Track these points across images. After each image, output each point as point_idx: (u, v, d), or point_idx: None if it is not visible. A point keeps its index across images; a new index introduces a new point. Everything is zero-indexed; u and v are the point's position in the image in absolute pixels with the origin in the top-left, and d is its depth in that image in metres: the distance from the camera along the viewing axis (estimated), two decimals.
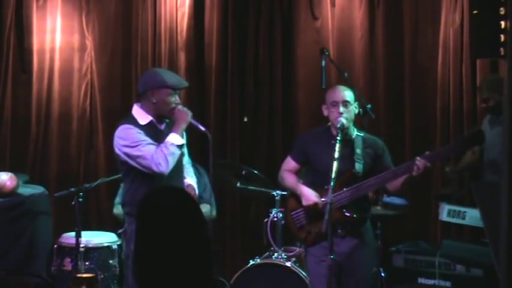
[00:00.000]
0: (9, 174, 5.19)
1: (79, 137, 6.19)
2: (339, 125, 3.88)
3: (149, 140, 3.91)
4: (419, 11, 5.87)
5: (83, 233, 4.64)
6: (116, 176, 4.99)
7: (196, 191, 4.26)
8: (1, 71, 5.99)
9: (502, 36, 2.89)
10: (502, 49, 2.90)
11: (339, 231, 3.93)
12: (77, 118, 6.18)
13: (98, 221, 6.02)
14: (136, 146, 3.87)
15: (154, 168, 3.84)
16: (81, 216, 4.57)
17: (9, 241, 5.12)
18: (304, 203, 3.96)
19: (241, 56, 6.21)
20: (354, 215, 3.92)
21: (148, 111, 3.99)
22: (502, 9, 2.92)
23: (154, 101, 3.95)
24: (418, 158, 3.80)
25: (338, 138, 3.80)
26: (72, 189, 4.63)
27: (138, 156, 3.87)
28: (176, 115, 3.98)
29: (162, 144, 3.89)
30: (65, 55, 6.18)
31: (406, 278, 4.98)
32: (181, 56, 6.20)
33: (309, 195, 3.95)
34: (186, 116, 3.98)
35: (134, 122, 3.97)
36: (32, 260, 5.18)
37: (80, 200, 4.58)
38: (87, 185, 4.81)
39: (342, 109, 3.91)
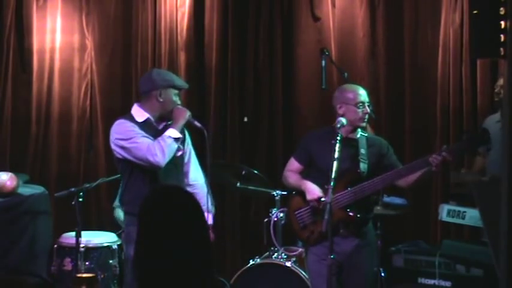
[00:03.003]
0: (9, 174, 5.20)
1: (79, 137, 6.20)
2: (339, 125, 3.89)
3: (144, 134, 3.94)
4: (419, 11, 5.87)
5: (83, 233, 4.64)
6: (116, 176, 4.99)
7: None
8: (1, 71, 5.99)
9: (502, 36, 2.89)
10: (502, 49, 2.90)
11: (341, 231, 3.93)
12: (77, 118, 6.18)
13: (98, 221, 6.02)
14: (131, 138, 3.91)
15: (150, 159, 3.86)
16: (81, 216, 4.56)
17: (9, 241, 5.12)
18: (308, 197, 3.96)
19: (241, 56, 6.21)
20: (358, 215, 3.92)
21: (148, 110, 4.02)
22: (502, 9, 2.92)
23: (161, 100, 3.99)
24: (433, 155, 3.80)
25: (338, 138, 3.81)
26: (72, 189, 4.63)
27: (133, 148, 3.89)
28: (175, 113, 4.02)
29: (158, 138, 3.93)
30: (65, 55, 6.18)
31: (406, 278, 4.97)
32: (181, 56, 6.20)
33: (314, 189, 3.95)
34: (185, 113, 4.02)
35: (131, 118, 4.02)
36: (32, 260, 5.18)
37: (80, 200, 4.58)
38: (87, 185, 4.81)
39: (368, 109, 3.98)
